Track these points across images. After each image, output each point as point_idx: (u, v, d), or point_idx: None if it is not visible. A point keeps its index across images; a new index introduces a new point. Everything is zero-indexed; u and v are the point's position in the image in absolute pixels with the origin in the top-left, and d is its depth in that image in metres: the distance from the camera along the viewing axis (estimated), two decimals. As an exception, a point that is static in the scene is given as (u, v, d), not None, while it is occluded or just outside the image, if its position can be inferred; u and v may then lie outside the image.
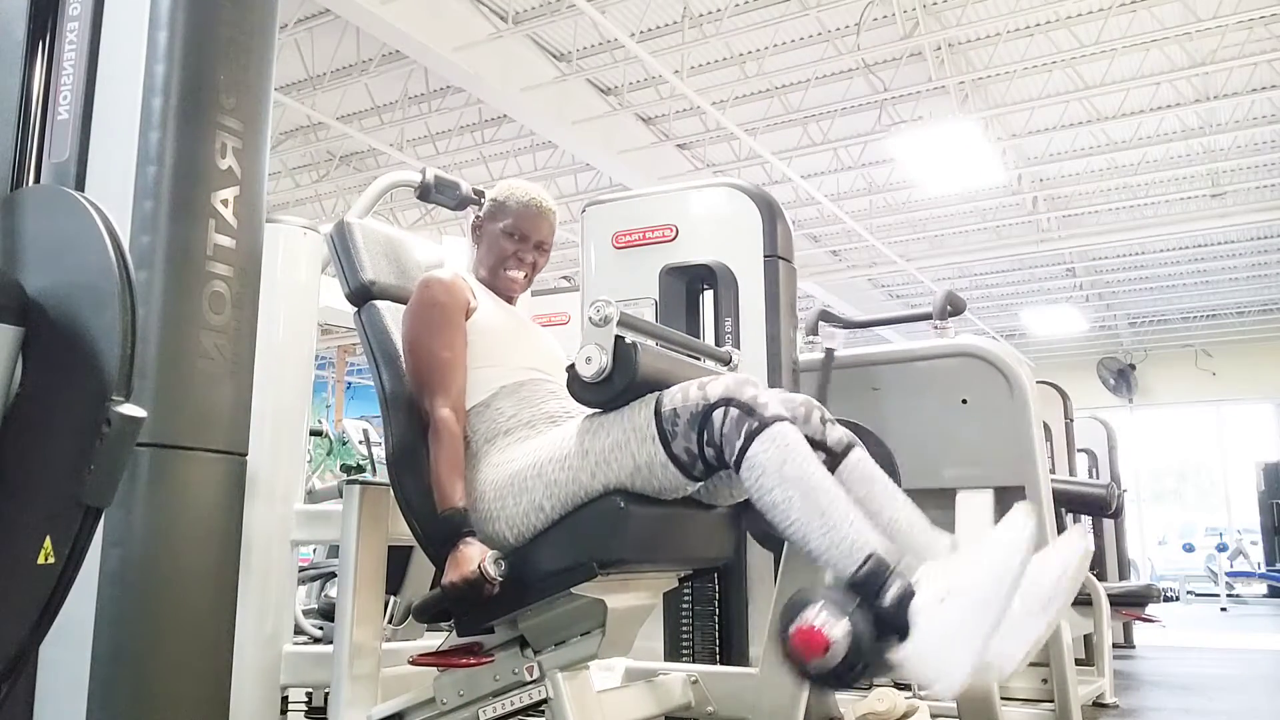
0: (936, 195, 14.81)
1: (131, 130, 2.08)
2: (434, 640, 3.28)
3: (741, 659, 3.60)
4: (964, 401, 4.35)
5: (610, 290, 3.72)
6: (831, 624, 2.10)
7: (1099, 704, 5.40)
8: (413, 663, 2.70)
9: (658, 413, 2.41)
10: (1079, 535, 2.32)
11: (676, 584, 2.99)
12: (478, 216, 3.11)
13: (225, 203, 2.11)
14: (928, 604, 2.12)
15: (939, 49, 11.01)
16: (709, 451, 2.36)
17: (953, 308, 4.77)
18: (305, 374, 3.52)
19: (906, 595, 2.14)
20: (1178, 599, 17.01)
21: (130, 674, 2.08)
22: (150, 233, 2.05)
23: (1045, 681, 4.45)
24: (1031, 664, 4.10)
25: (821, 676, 2.14)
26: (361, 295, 2.94)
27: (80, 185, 2.08)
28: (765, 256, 3.66)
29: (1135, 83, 11.56)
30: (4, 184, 2.12)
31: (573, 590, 2.45)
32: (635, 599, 2.69)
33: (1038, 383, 4.85)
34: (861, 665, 2.11)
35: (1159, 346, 22.77)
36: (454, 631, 2.62)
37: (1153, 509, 23.14)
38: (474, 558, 2.42)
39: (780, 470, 2.26)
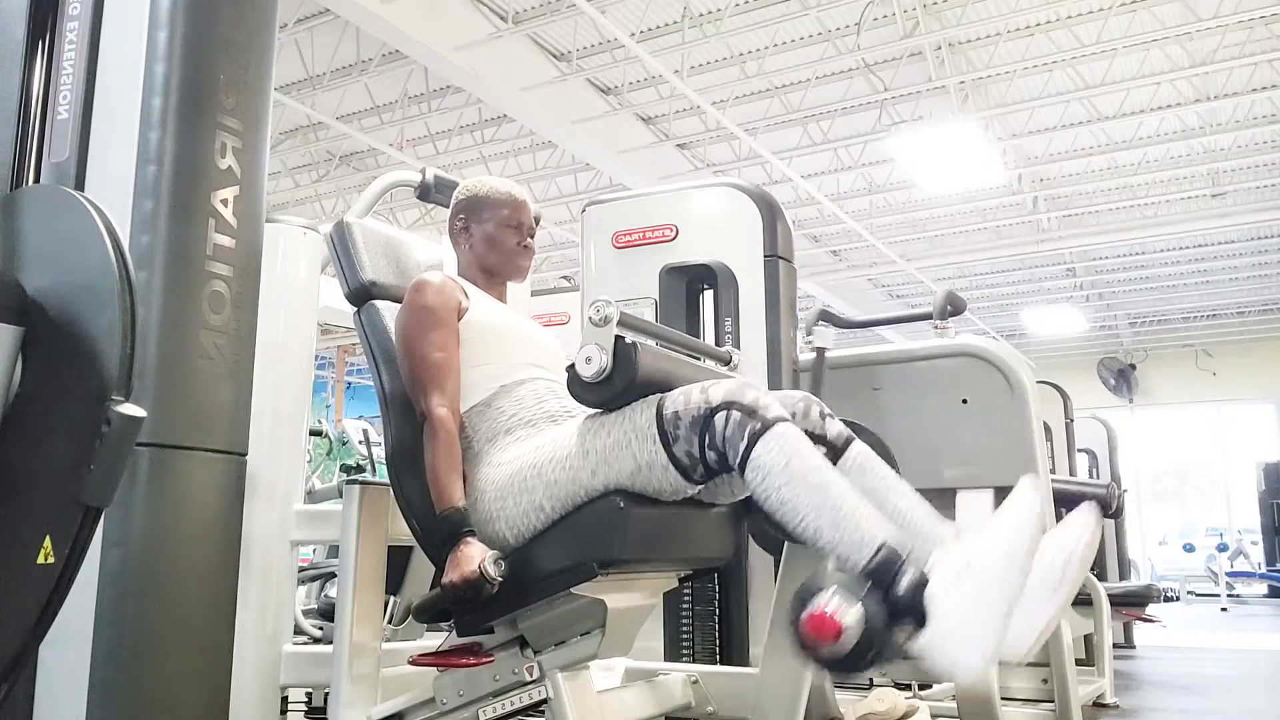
0: (936, 195, 14.79)
1: (131, 130, 2.08)
2: (434, 640, 3.27)
3: (741, 659, 3.59)
4: (964, 401, 4.36)
5: (610, 290, 3.70)
6: (844, 609, 2.08)
7: (1099, 704, 5.40)
8: (412, 663, 2.68)
9: (659, 415, 2.40)
10: (1088, 512, 2.29)
11: (676, 584, 2.98)
12: (461, 219, 3.09)
13: (225, 202, 2.11)
14: (943, 589, 2.11)
15: (939, 49, 11.01)
16: (710, 455, 2.35)
17: (953, 308, 4.78)
18: (305, 374, 3.50)
19: (921, 582, 2.14)
20: (1178, 599, 16.99)
21: (130, 674, 2.08)
22: (150, 232, 2.05)
23: (1045, 681, 4.48)
24: (1031, 664, 4.47)
25: (833, 664, 2.11)
26: (361, 295, 2.94)
27: (80, 185, 2.08)
28: (765, 256, 3.64)
29: (1135, 82, 11.56)
30: (4, 183, 2.11)
31: (573, 590, 2.43)
32: (635, 599, 2.68)
33: (1038, 382, 4.83)
34: (873, 652, 2.09)
35: (1159, 346, 22.76)
36: (454, 631, 2.60)
37: (1153, 509, 23.11)
38: (474, 557, 2.40)
39: (786, 469, 2.25)
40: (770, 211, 3.73)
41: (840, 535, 2.21)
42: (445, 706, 2.60)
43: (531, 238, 3.11)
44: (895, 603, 2.13)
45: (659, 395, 2.46)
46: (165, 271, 2.06)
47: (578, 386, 2.47)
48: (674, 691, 2.99)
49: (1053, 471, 6.29)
